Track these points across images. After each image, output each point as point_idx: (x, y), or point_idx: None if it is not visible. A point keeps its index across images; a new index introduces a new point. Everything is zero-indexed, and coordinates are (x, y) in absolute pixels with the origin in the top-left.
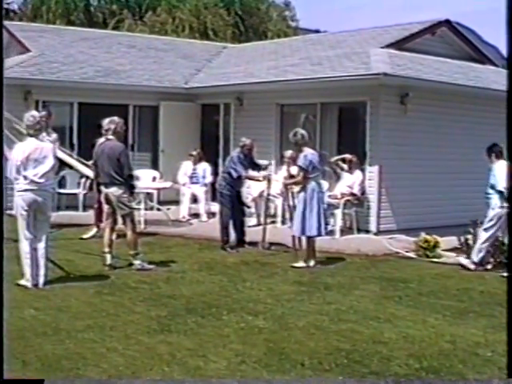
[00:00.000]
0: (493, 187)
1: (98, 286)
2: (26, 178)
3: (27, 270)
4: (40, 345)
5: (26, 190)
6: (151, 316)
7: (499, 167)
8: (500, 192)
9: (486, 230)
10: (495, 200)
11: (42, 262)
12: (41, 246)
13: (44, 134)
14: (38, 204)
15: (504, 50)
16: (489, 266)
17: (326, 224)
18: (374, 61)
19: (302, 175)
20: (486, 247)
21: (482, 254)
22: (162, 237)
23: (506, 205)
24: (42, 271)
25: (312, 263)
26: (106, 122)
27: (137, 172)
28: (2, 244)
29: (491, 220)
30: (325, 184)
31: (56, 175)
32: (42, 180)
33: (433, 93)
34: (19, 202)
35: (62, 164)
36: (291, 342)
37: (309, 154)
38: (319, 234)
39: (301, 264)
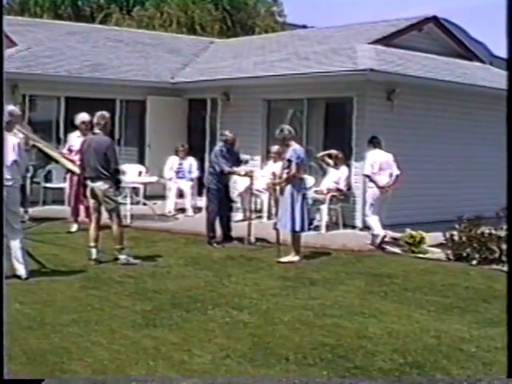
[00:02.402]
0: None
1: (84, 280)
2: None
3: None
4: (25, 339)
5: None
6: (136, 310)
7: (371, 155)
8: (366, 175)
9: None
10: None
11: (19, 254)
12: (14, 240)
13: (18, 128)
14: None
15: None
16: (474, 262)
17: (312, 219)
18: (360, 56)
19: (295, 168)
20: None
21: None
22: (147, 231)
23: (372, 185)
24: (19, 265)
25: (297, 258)
26: (96, 115)
27: (123, 166)
28: (1, 244)
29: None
30: (311, 179)
31: (40, 170)
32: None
33: (419, 89)
34: None
35: (48, 158)
36: (276, 337)
37: (297, 148)
38: (302, 230)
39: (286, 259)
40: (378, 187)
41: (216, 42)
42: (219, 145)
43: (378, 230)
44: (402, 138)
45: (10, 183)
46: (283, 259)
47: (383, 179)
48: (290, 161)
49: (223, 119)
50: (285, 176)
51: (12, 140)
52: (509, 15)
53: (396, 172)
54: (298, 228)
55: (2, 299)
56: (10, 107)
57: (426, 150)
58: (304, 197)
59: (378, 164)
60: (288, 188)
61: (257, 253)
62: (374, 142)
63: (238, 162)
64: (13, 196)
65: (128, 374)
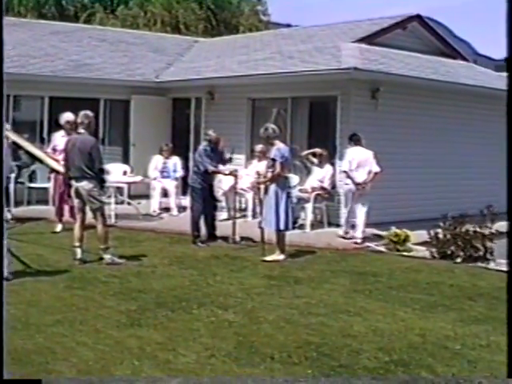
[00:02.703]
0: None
1: (68, 280)
2: None
3: None
4: (10, 339)
5: None
6: (121, 310)
7: (350, 152)
8: (344, 172)
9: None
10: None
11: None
12: None
13: None
14: None
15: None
16: (458, 260)
17: (297, 218)
18: (344, 55)
19: (279, 167)
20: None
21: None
22: (132, 231)
23: (348, 182)
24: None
25: (282, 257)
26: (80, 115)
27: (107, 166)
28: (1, 244)
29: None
30: (295, 178)
31: (24, 170)
32: None
33: (404, 87)
34: None
35: (32, 158)
36: (261, 336)
37: (281, 147)
38: (287, 228)
39: (271, 257)
40: (355, 184)
41: (200, 41)
42: (203, 144)
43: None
44: (387, 137)
45: None
46: (268, 258)
47: (360, 176)
48: (274, 160)
49: (207, 118)
50: (269, 175)
51: None
52: (509, 15)
53: (375, 169)
54: (282, 226)
55: (1, 299)
56: None
57: (411, 148)
58: (288, 195)
59: (357, 161)
60: (272, 187)
61: (241, 252)
62: (354, 140)
63: (223, 161)
64: None
65: (128, 375)
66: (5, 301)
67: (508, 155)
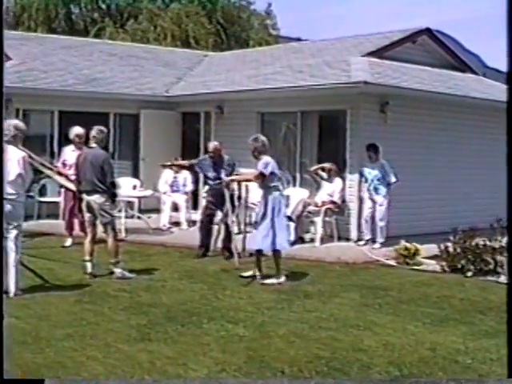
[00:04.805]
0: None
1: (79, 294)
2: None
3: None
4: (20, 353)
5: None
6: (131, 324)
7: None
8: (388, 184)
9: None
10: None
11: (12, 271)
12: (11, 255)
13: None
14: (4, 213)
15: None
16: (468, 274)
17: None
18: (354, 69)
19: (254, 177)
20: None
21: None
22: (142, 245)
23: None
24: (12, 281)
25: (282, 279)
26: (94, 129)
27: (117, 180)
28: (1, 247)
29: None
30: (304, 192)
31: (35, 184)
32: (6, 188)
33: (413, 101)
34: None
35: (41, 173)
36: (271, 350)
37: (270, 161)
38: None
39: (271, 281)
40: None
41: (210, 56)
42: (203, 156)
43: None
44: (396, 150)
45: (14, 197)
46: (267, 281)
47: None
48: (262, 174)
49: (217, 132)
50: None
51: (17, 154)
52: (509, 20)
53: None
54: (285, 246)
55: (1, 299)
56: (14, 121)
57: (420, 161)
58: (283, 211)
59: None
60: (264, 205)
61: (251, 266)
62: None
63: (226, 170)
64: (16, 210)
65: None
66: (5, 301)
67: (508, 166)
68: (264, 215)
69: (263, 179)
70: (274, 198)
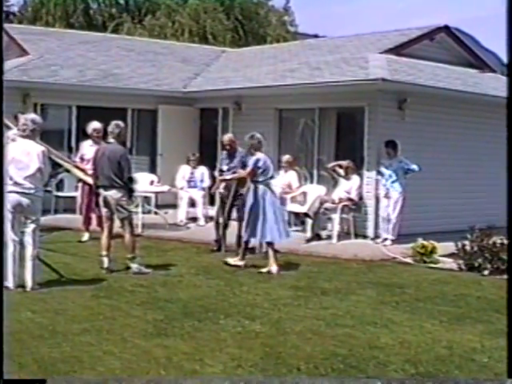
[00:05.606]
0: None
1: (95, 289)
2: (11, 179)
3: (9, 271)
4: (36, 347)
5: (11, 192)
6: (148, 319)
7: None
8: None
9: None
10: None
11: (29, 264)
12: (28, 249)
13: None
14: (23, 206)
15: (504, 57)
16: (486, 272)
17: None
18: (372, 66)
19: (247, 174)
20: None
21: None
22: (159, 240)
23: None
24: (29, 275)
25: (274, 269)
26: (111, 124)
27: (134, 175)
28: (1, 246)
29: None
30: (321, 188)
31: (53, 178)
32: (25, 182)
33: (431, 98)
34: (6, 203)
35: (59, 167)
36: (287, 347)
37: (262, 158)
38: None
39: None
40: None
41: (227, 52)
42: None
43: None
44: (413, 148)
45: (33, 191)
46: (263, 270)
47: None
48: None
49: (234, 128)
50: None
51: (36, 148)
52: (509, 20)
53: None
54: (275, 239)
55: (1, 299)
56: (31, 115)
57: (437, 159)
58: (276, 204)
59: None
60: (250, 199)
61: (268, 262)
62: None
63: (243, 164)
64: (34, 204)
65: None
66: (5, 301)
67: (508, 164)
68: (251, 209)
69: (250, 174)
70: (258, 193)
